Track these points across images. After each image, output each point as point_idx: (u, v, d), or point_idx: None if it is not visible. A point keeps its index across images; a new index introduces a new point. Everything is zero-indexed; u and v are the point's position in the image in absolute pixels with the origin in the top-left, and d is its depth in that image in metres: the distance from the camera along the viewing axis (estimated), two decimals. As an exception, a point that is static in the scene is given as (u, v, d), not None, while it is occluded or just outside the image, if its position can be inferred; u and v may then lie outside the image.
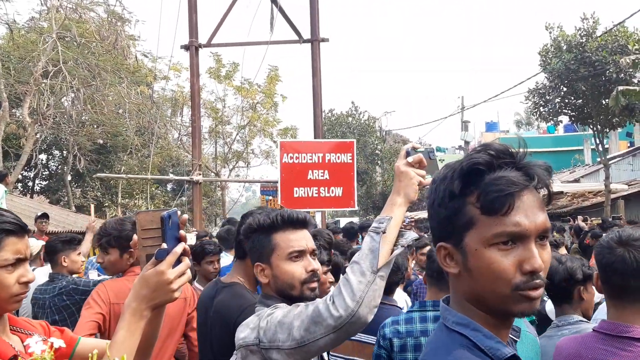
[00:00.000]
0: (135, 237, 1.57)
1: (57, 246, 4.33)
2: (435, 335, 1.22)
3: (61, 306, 3.96)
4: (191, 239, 5.61)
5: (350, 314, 1.65)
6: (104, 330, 3.04)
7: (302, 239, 2.02)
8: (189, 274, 1.59)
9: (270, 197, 23.02)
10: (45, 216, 9.68)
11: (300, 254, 1.99)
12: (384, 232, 1.69)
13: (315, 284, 2.00)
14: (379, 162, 37.32)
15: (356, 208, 10.06)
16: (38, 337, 1.65)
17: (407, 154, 1.80)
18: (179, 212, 1.60)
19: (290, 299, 1.97)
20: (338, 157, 9.51)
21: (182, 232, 1.59)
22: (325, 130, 36.45)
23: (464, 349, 1.10)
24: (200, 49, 11.40)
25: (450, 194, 1.11)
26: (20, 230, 1.69)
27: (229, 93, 25.58)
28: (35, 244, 5.48)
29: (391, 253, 1.71)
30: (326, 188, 9.36)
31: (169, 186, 32.50)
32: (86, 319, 2.98)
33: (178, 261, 1.55)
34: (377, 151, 36.65)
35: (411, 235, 1.78)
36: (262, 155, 27.78)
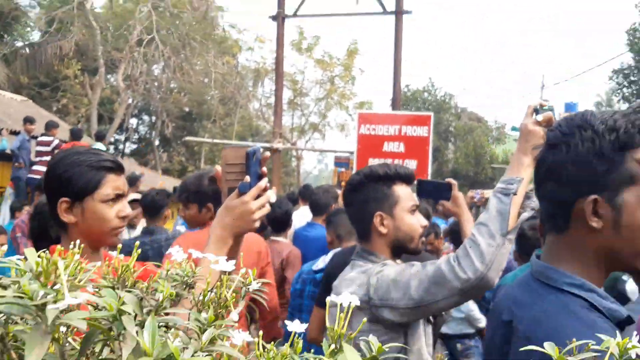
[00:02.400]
0: (219, 169, 1.58)
1: (163, 201, 4.45)
2: (539, 297, 1.12)
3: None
4: (273, 195, 5.65)
5: (479, 277, 1.59)
6: None
7: (413, 194, 2.00)
8: (268, 207, 1.62)
9: (343, 169, 23.04)
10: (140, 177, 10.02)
11: (416, 208, 1.96)
12: (514, 194, 1.60)
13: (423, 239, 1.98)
14: (452, 139, 36.62)
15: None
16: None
17: (535, 112, 1.67)
18: (261, 150, 1.63)
19: (406, 252, 1.94)
20: (414, 130, 9.38)
21: (264, 168, 1.61)
22: (401, 105, 35.98)
23: (586, 309, 1.05)
24: (287, 19, 11.43)
25: (614, 146, 1.06)
26: (118, 168, 1.75)
27: (309, 65, 25.60)
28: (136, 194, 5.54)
29: (518, 217, 1.63)
30: (401, 160, 9.26)
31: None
32: None
33: (258, 195, 1.58)
34: (450, 128, 35.96)
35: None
36: (337, 127, 27.75)
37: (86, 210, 1.67)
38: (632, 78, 18.07)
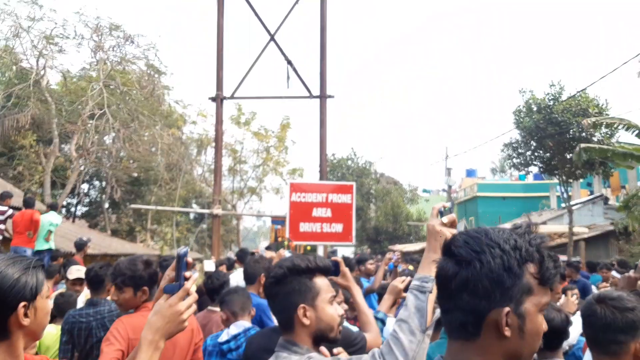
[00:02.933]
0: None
1: (106, 274, 4.25)
2: None
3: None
4: (211, 265, 5.58)
5: None
6: None
7: (330, 285, 1.92)
8: (194, 306, 1.60)
9: (279, 226, 22.98)
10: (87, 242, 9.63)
11: (334, 298, 1.89)
12: (430, 292, 1.56)
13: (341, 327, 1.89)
14: (373, 200, 37.35)
15: (354, 242, 10.01)
16: None
17: (440, 214, 1.68)
18: (188, 254, 1.65)
19: (326, 341, 1.85)
20: (339, 197, 9.57)
21: (187, 272, 1.60)
22: (328, 171, 36.76)
23: None
24: (225, 100, 11.52)
25: (518, 262, 1.11)
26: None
27: (247, 137, 25.79)
28: (83, 269, 5.24)
29: (433, 312, 1.60)
30: (328, 224, 9.40)
31: (192, 215, 32.45)
32: (109, 356, 2.80)
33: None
34: (371, 190, 36.70)
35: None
36: (272, 190, 27.82)
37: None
38: (519, 150, 19.19)
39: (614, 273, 8.82)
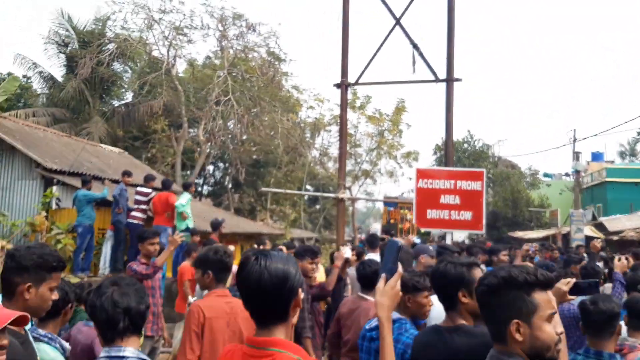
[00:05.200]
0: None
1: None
2: None
3: None
4: (348, 252, 5.61)
5: None
6: None
7: (551, 300, 1.78)
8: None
9: (392, 209, 22.83)
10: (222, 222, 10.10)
11: (553, 316, 1.76)
12: None
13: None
14: (491, 185, 35.88)
15: (483, 231, 9.63)
16: None
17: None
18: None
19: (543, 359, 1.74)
20: (469, 184, 9.21)
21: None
22: (441, 154, 35.87)
23: None
24: (350, 87, 11.49)
25: None
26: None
27: (361, 121, 25.76)
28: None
29: None
30: (457, 211, 9.08)
31: (306, 196, 33.20)
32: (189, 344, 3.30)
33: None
34: (489, 175, 35.26)
35: None
36: (386, 174, 27.63)
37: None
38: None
39: None
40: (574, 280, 3.30)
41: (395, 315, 3.06)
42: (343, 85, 11.42)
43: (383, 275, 2.05)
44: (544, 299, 1.74)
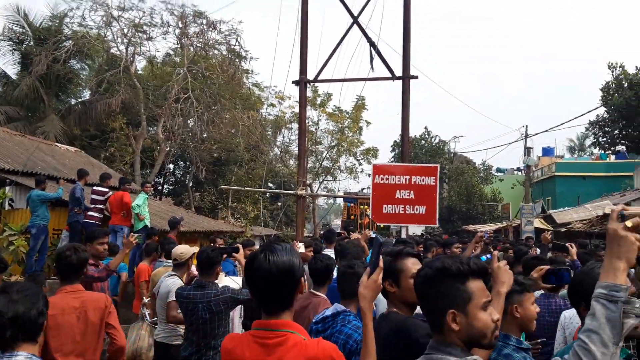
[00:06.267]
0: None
1: (217, 257, 4.37)
2: None
3: (216, 310, 4.12)
4: (301, 248, 5.57)
5: None
6: None
7: (485, 289, 1.77)
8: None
9: (352, 204, 22.97)
10: (180, 220, 9.95)
11: (489, 303, 1.76)
12: (622, 302, 1.43)
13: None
14: (447, 180, 36.51)
15: (437, 224, 9.77)
16: None
17: (622, 217, 1.52)
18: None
19: (479, 347, 1.75)
20: (423, 179, 9.32)
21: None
22: (399, 151, 36.36)
23: None
24: (308, 84, 11.46)
25: None
26: None
27: (322, 118, 25.79)
28: (188, 250, 5.29)
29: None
30: (411, 206, 9.19)
31: (267, 193, 33.03)
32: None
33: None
34: (445, 170, 35.87)
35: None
36: (346, 171, 27.77)
37: None
38: (606, 129, 18.02)
39: None
40: (546, 267, 3.33)
41: (340, 307, 3.07)
42: (302, 83, 11.38)
43: (367, 269, 2.21)
44: (479, 287, 1.74)
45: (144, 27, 20.53)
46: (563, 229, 19.97)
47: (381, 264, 2.16)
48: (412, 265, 2.54)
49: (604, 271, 1.51)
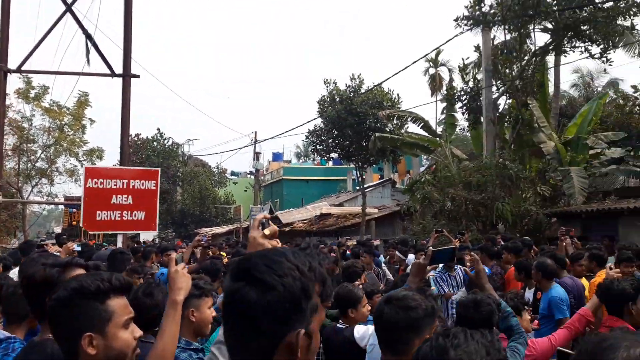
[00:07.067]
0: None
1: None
2: None
3: None
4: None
5: None
6: None
7: (127, 305, 1.67)
8: None
9: (75, 210, 20.90)
10: None
11: (131, 320, 1.65)
12: None
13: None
14: (180, 183, 36.20)
15: (157, 231, 9.44)
16: None
17: (262, 225, 1.59)
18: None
19: None
20: (142, 183, 8.91)
21: None
22: (131, 152, 34.39)
23: None
24: (9, 74, 9.88)
25: (311, 285, 1.08)
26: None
27: (36, 114, 22.89)
28: None
29: None
30: (129, 212, 8.69)
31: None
32: None
33: None
34: (178, 173, 35.49)
35: None
36: (66, 173, 25.17)
37: None
38: (322, 138, 20.20)
39: (397, 253, 9.68)
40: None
41: (3, 334, 2.59)
42: (1, 72, 9.79)
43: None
44: (121, 304, 1.63)
45: None
46: (287, 229, 21.59)
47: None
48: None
49: None
